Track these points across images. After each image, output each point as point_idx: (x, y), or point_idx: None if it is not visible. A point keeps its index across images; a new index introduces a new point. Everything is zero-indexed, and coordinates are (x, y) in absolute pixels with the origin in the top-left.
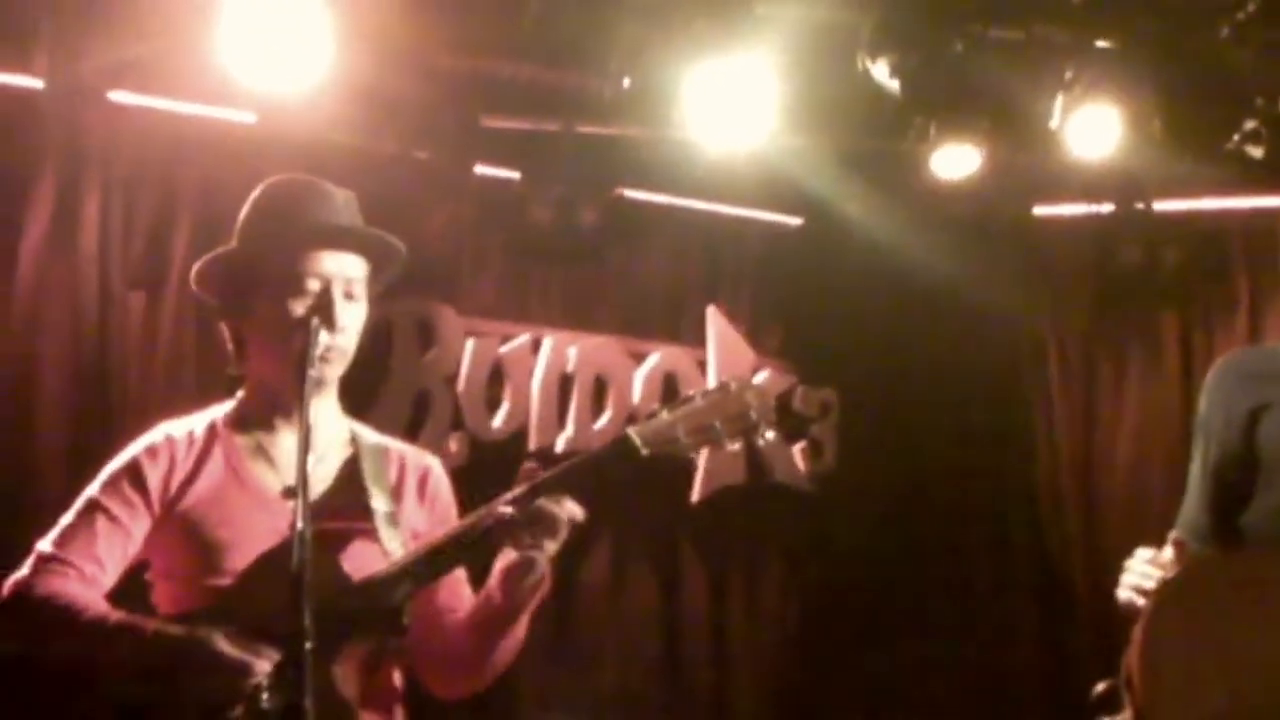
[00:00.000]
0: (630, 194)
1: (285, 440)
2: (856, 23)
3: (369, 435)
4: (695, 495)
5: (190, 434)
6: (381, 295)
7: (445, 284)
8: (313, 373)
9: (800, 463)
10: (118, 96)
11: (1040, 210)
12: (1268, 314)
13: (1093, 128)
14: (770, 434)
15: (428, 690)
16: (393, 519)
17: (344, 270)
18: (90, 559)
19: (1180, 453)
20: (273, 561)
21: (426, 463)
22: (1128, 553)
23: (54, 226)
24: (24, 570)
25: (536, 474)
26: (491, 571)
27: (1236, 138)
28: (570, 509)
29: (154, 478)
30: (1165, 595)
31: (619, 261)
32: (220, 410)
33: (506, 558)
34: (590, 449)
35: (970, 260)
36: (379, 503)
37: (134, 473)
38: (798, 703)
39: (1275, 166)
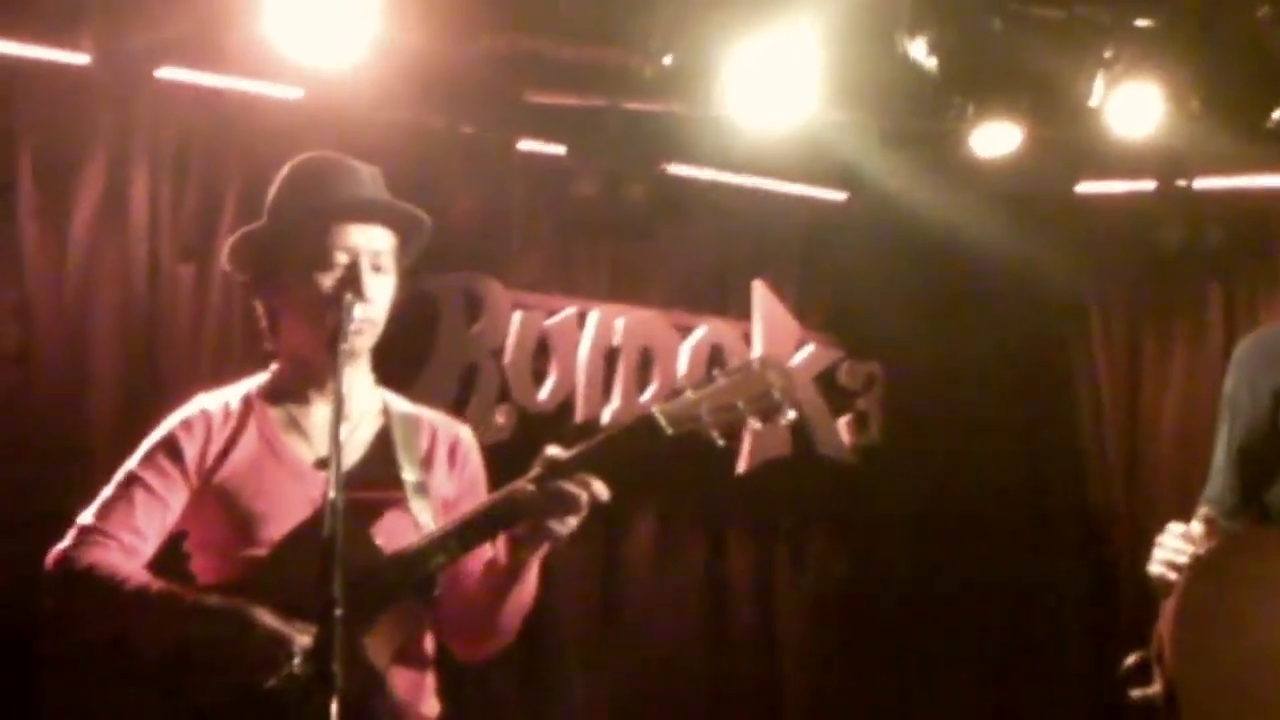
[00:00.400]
0: (675, 170)
1: (318, 412)
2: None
3: (400, 405)
4: (741, 467)
5: (226, 406)
6: (428, 269)
7: (492, 258)
8: (344, 346)
9: (845, 436)
10: (165, 73)
11: (1083, 187)
12: None
13: (1133, 106)
14: (792, 414)
15: (454, 655)
16: (423, 489)
17: (371, 243)
18: (130, 530)
19: None
20: (306, 532)
21: (456, 432)
22: (1174, 518)
23: (103, 203)
24: (66, 542)
25: (553, 460)
26: None
27: (1276, 116)
28: (595, 489)
29: (190, 450)
30: (1198, 571)
31: (665, 236)
32: (255, 382)
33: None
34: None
35: (1014, 235)
36: (409, 473)
37: (171, 446)
38: (843, 673)
39: None
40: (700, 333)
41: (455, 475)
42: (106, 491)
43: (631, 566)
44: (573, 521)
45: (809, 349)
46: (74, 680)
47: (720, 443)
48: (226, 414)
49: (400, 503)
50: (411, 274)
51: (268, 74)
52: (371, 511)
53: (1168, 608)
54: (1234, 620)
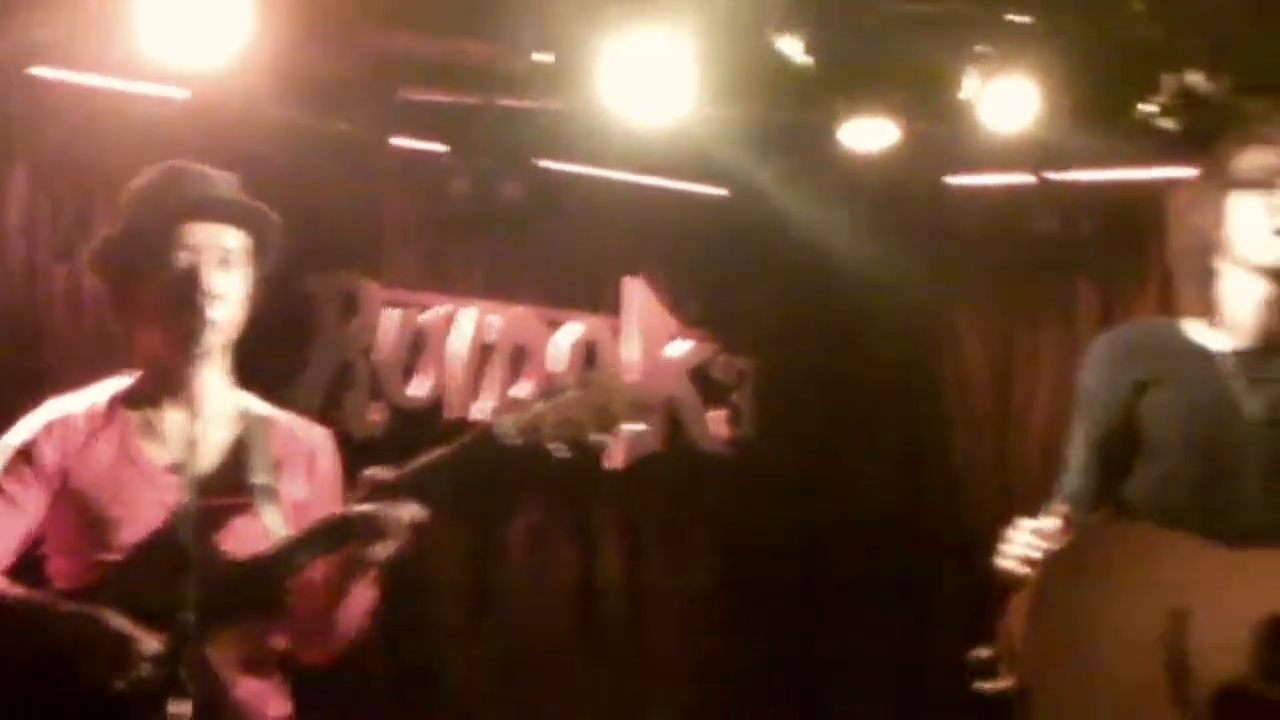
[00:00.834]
0: (551, 166)
1: (172, 416)
2: None
3: (257, 407)
4: (614, 462)
5: (88, 410)
6: (304, 268)
7: (367, 257)
8: (195, 349)
9: (719, 430)
10: (43, 72)
11: (956, 180)
12: None
13: (1007, 100)
14: (634, 427)
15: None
16: (274, 495)
17: (217, 240)
18: None
19: None
20: (158, 537)
21: (313, 435)
22: (1041, 512)
23: None
24: None
25: (373, 480)
26: None
27: (1148, 110)
28: (410, 511)
29: (51, 455)
30: (1051, 567)
31: (540, 233)
32: (117, 385)
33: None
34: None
35: (887, 230)
36: (262, 478)
37: (31, 452)
38: (717, 668)
39: (1186, 139)
40: (574, 329)
41: (309, 479)
42: None
43: (503, 560)
44: (389, 548)
45: (683, 344)
46: None
47: (563, 454)
48: (87, 418)
49: (251, 509)
50: (287, 274)
51: (143, 74)
52: (222, 517)
53: (1018, 602)
54: (1086, 615)
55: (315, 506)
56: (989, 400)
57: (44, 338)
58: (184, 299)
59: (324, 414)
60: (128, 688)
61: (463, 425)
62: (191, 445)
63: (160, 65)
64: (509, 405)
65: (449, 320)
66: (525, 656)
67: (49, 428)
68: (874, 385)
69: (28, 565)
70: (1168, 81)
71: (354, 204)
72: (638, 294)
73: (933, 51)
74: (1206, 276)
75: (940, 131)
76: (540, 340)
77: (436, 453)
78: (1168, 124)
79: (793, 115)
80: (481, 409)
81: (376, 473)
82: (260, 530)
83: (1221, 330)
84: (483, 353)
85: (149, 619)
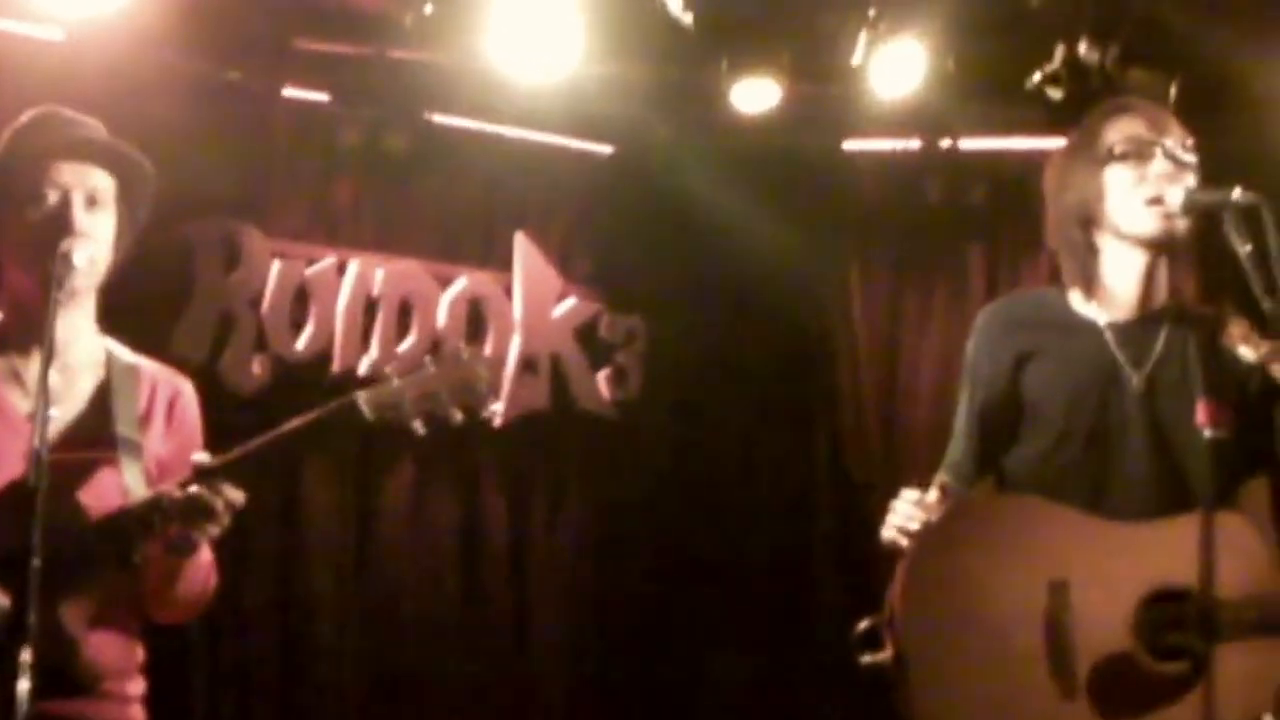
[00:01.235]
0: (440, 119)
1: (36, 362)
2: None
3: (123, 355)
4: (498, 420)
5: None
6: (186, 214)
7: (252, 205)
8: (58, 291)
9: (604, 389)
10: None
11: (850, 145)
12: None
13: (896, 65)
14: (496, 407)
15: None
16: (137, 449)
17: (85, 180)
18: None
19: None
20: (15, 488)
21: (177, 385)
22: (929, 480)
23: None
24: None
25: (198, 465)
26: None
27: (1037, 79)
28: (229, 496)
29: None
30: (927, 538)
31: (428, 186)
32: None
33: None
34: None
35: (778, 192)
36: (125, 430)
37: None
38: (597, 628)
39: (1073, 108)
40: (461, 284)
41: (171, 432)
42: None
43: (385, 517)
44: (214, 530)
45: (570, 302)
46: None
47: (421, 431)
48: None
49: (113, 462)
50: (168, 220)
51: (28, 14)
52: (83, 470)
53: (898, 574)
54: (962, 586)
55: (177, 461)
56: (878, 367)
57: None
58: (51, 237)
59: (207, 365)
60: None
61: (351, 379)
62: (50, 393)
63: (45, 6)
64: (374, 379)
65: (335, 272)
66: (404, 612)
67: None
68: (761, 348)
69: None
70: (1055, 52)
71: (240, 153)
72: (525, 250)
73: (822, 13)
74: (1086, 249)
75: (832, 95)
76: (428, 294)
77: (305, 419)
78: (1055, 93)
79: (682, 74)
80: (370, 363)
81: (202, 457)
82: (120, 485)
83: (1102, 302)
84: (369, 306)
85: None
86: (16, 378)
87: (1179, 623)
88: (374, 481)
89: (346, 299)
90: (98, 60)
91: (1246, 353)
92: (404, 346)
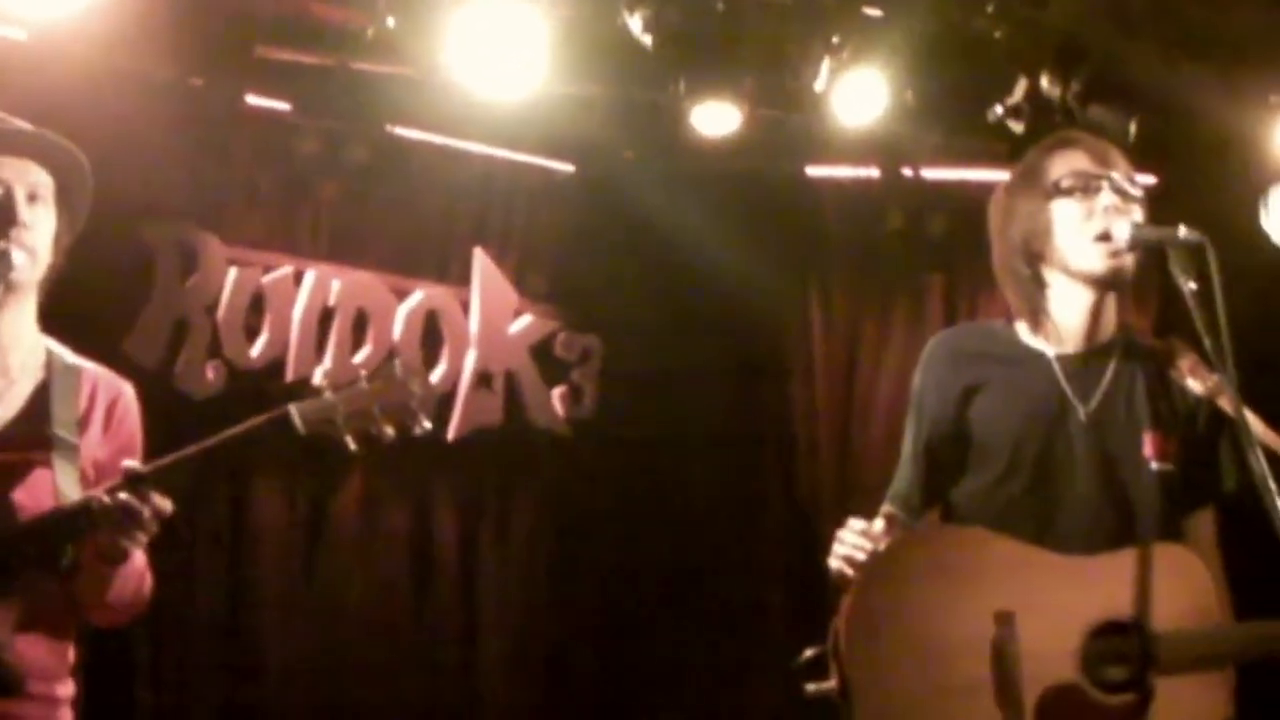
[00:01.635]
0: (401, 132)
1: None
2: None
3: (64, 357)
4: (450, 434)
5: None
6: (145, 218)
7: (212, 212)
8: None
9: (559, 407)
10: None
11: (812, 171)
12: None
13: (858, 93)
14: (428, 424)
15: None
16: (73, 451)
17: (24, 176)
18: None
19: None
20: None
21: (118, 389)
22: (879, 505)
23: None
24: None
25: (127, 471)
26: None
27: (999, 111)
28: (157, 504)
29: None
30: (873, 568)
31: (387, 199)
32: None
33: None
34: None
35: (738, 215)
36: (61, 431)
37: None
38: (545, 644)
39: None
40: (417, 297)
41: (110, 436)
42: None
43: (335, 529)
44: (141, 537)
45: (526, 319)
46: None
47: (353, 446)
48: None
49: (47, 464)
50: (125, 224)
51: None
52: (17, 471)
53: (844, 604)
54: (908, 616)
55: (115, 464)
56: (834, 391)
57: None
58: None
59: (160, 370)
60: None
61: (304, 388)
62: None
63: (8, 7)
64: (309, 393)
65: (291, 281)
66: (353, 626)
67: None
68: (717, 370)
69: None
70: (1017, 85)
71: (201, 160)
72: (483, 266)
73: (785, 39)
74: (1032, 283)
75: (795, 120)
76: (384, 306)
77: (237, 429)
78: (1016, 126)
79: (646, 95)
80: (324, 372)
81: (132, 465)
82: (52, 487)
83: (1050, 335)
84: (325, 316)
85: None
86: None
87: (1124, 655)
88: (324, 495)
89: (302, 308)
90: (60, 62)
91: (1195, 385)
92: (359, 357)
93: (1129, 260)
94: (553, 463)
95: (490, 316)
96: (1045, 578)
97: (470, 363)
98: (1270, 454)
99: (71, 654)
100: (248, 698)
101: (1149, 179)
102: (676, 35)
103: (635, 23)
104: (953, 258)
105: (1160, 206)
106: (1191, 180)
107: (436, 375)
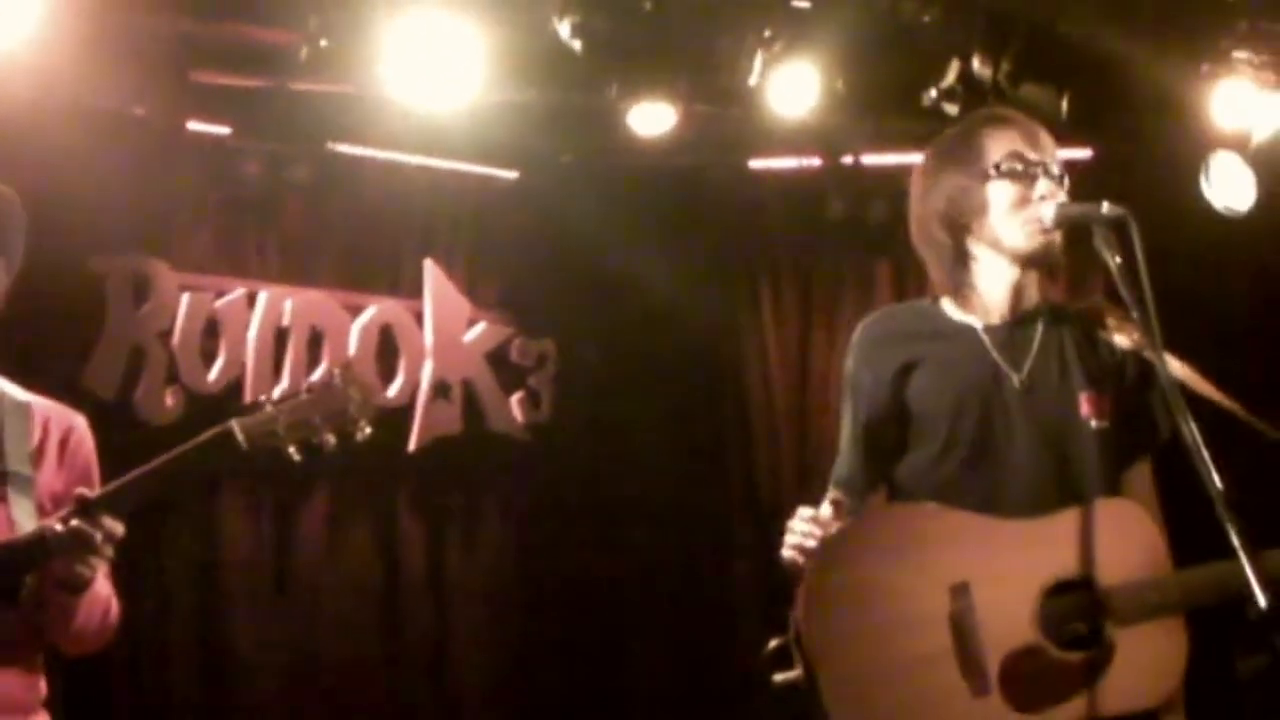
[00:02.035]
0: (343, 149)
1: None
2: None
3: (14, 393)
4: (411, 445)
5: None
6: (95, 251)
7: (160, 240)
8: None
9: (517, 413)
10: None
11: (754, 164)
12: None
13: (792, 85)
14: (369, 430)
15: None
16: (28, 484)
17: None
18: None
19: None
20: None
21: (70, 421)
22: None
23: None
24: None
25: (78, 498)
26: None
27: (934, 95)
28: (108, 527)
29: None
30: (826, 553)
31: (334, 216)
32: None
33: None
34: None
35: (683, 212)
36: (16, 465)
37: None
38: (515, 651)
39: None
40: (371, 312)
41: (64, 467)
42: None
43: (302, 541)
44: (96, 562)
45: (480, 327)
46: None
47: (297, 458)
48: None
49: (3, 499)
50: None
51: None
52: None
53: (801, 592)
54: (864, 596)
55: (70, 495)
56: (788, 384)
57: None
58: None
59: (119, 399)
60: None
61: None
62: None
63: None
64: (250, 409)
65: (245, 304)
66: (323, 639)
67: None
68: (673, 368)
69: None
70: (952, 67)
71: (147, 187)
72: (434, 277)
73: (715, 35)
74: (954, 255)
75: (732, 115)
76: (338, 323)
77: (180, 449)
78: (951, 110)
79: (582, 99)
80: (282, 392)
81: (82, 491)
82: (8, 521)
83: (975, 309)
84: (280, 336)
85: None
86: None
87: (1080, 612)
88: (290, 510)
89: (257, 330)
90: (1, 97)
91: (1121, 340)
92: (316, 376)
93: (1057, 238)
94: (514, 468)
95: (444, 326)
96: (995, 544)
97: (427, 374)
98: (1200, 399)
99: (43, 686)
100: (224, 716)
101: (1084, 152)
102: (606, 39)
103: (564, 29)
104: (897, 243)
105: (1095, 179)
106: (1127, 152)
107: (394, 388)
